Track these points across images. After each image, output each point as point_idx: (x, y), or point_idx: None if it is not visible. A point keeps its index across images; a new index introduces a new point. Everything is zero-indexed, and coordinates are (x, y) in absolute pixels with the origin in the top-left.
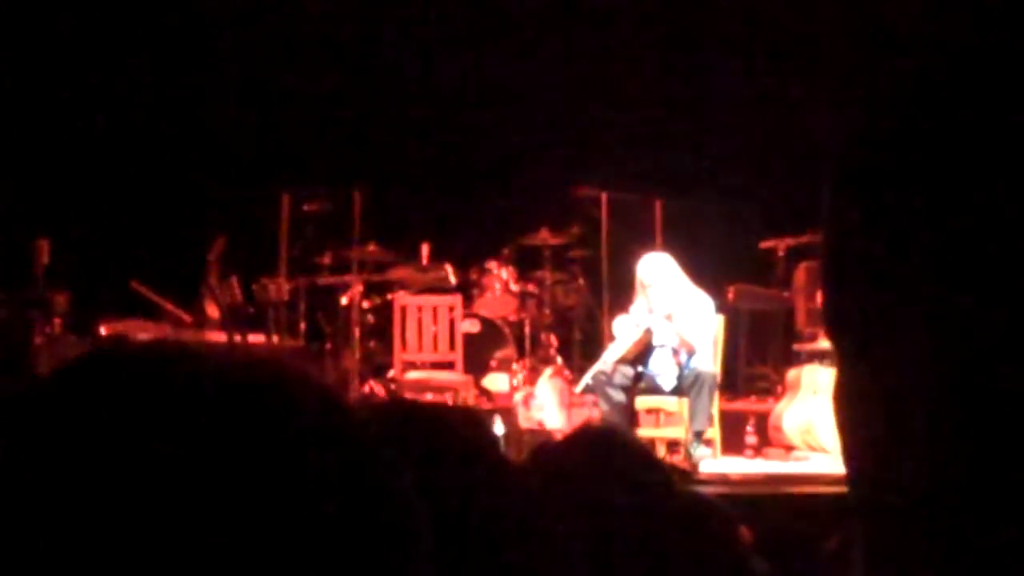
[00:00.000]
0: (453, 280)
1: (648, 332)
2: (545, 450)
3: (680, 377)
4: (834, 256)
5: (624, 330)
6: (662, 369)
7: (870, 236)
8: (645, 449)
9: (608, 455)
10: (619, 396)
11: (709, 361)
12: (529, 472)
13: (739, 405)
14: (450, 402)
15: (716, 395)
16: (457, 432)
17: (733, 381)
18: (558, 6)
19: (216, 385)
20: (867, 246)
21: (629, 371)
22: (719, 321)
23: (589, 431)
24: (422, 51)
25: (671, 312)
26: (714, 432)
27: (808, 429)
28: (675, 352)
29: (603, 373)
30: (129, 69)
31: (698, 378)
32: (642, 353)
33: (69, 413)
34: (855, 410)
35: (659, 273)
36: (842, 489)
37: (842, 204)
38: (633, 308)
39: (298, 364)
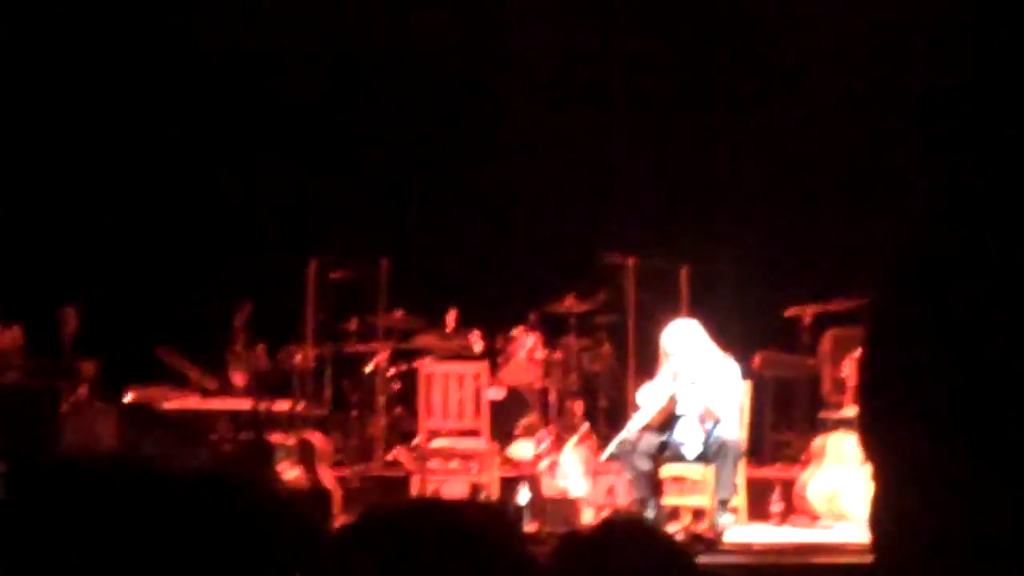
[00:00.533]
0: (479, 347)
1: (673, 400)
2: (571, 545)
3: (705, 445)
4: (878, 344)
5: (649, 398)
6: (687, 437)
7: (913, 332)
8: (673, 543)
9: (636, 553)
10: (644, 464)
11: (735, 429)
12: (555, 571)
13: (765, 472)
14: (475, 471)
15: (742, 463)
16: (482, 530)
17: (759, 448)
18: (585, 76)
19: None
20: (908, 338)
21: (654, 439)
22: (745, 388)
23: (616, 526)
24: (450, 118)
25: (696, 380)
26: (740, 499)
27: (833, 497)
28: (700, 420)
29: (628, 441)
30: (158, 135)
31: (723, 446)
32: (667, 421)
33: None
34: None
35: (684, 340)
36: (867, 559)
37: (888, 304)
38: (658, 376)
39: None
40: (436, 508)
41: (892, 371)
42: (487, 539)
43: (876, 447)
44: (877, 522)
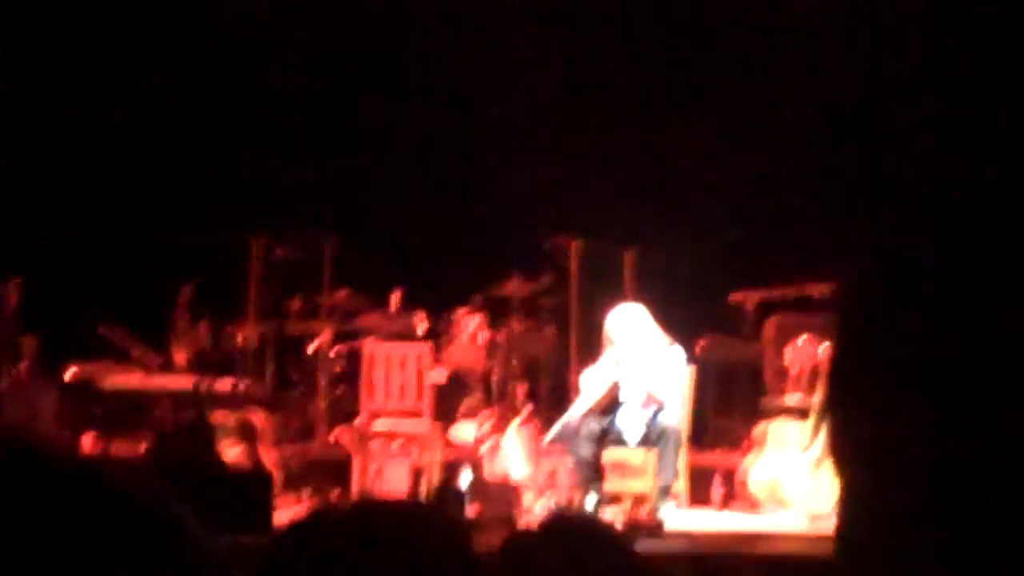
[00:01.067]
0: (423, 329)
1: (616, 386)
2: (517, 544)
3: (647, 430)
4: (844, 353)
5: (591, 383)
6: (629, 423)
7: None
8: (620, 541)
9: (584, 553)
10: (586, 450)
11: (676, 415)
12: (501, 569)
13: (706, 458)
14: (417, 454)
15: (684, 449)
16: (426, 531)
17: (701, 433)
18: (534, 57)
19: None
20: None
21: (596, 425)
22: (688, 373)
23: (561, 523)
24: (394, 98)
25: (640, 366)
26: (681, 484)
27: (774, 484)
28: (642, 405)
29: (570, 426)
30: (101, 113)
31: (664, 432)
32: (609, 406)
33: None
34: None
35: (628, 326)
36: (807, 546)
37: (851, 321)
38: (601, 360)
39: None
40: (380, 512)
41: (863, 363)
42: (433, 545)
43: (844, 440)
44: (845, 522)
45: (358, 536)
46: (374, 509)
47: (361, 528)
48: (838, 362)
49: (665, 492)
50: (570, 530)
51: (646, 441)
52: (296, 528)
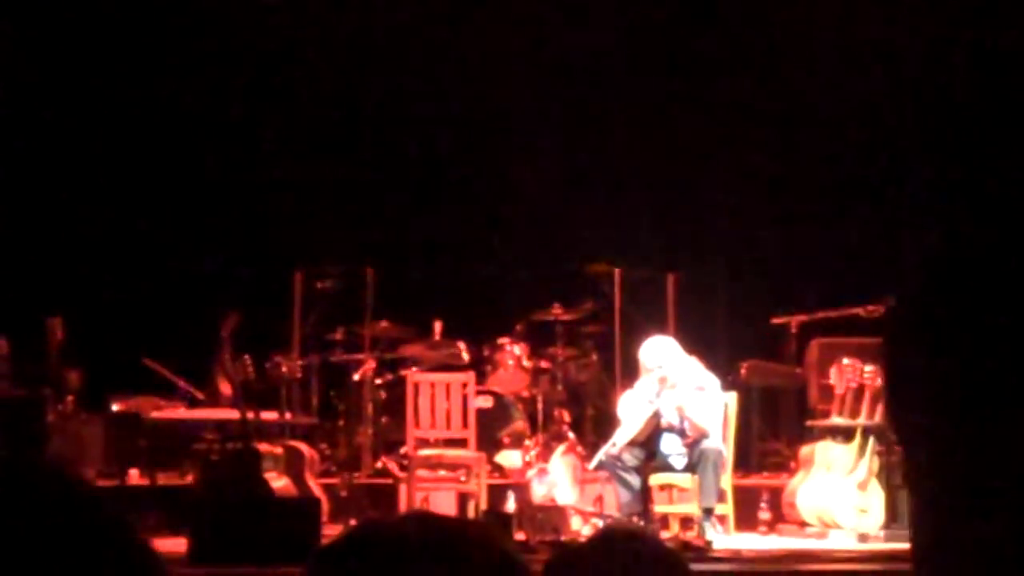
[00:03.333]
0: (466, 357)
1: (657, 415)
2: (565, 557)
3: (689, 456)
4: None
5: (631, 411)
6: (672, 450)
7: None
8: (670, 552)
9: (632, 562)
10: (630, 477)
11: (715, 438)
12: None
13: (752, 481)
14: (463, 480)
15: (728, 471)
16: (476, 547)
17: (746, 457)
18: (574, 84)
19: None
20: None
21: (640, 452)
22: (732, 398)
23: (611, 534)
24: (436, 128)
25: (681, 405)
26: (727, 508)
27: (821, 506)
28: (684, 435)
29: (614, 456)
30: (144, 147)
31: (702, 455)
32: (651, 436)
33: None
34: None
35: (662, 357)
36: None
37: (900, 346)
38: (638, 385)
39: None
40: (429, 522)
41: (915, 373)
42: (482, 554)
43: (908, 447)
44: (915, 530)
45: (412, 545)
46: (428, 520)
47: (416, 537)
48: (892, 389)
49: (709, 514)
50: (620, 544)
51: (690, 465)
52: (348, 537)
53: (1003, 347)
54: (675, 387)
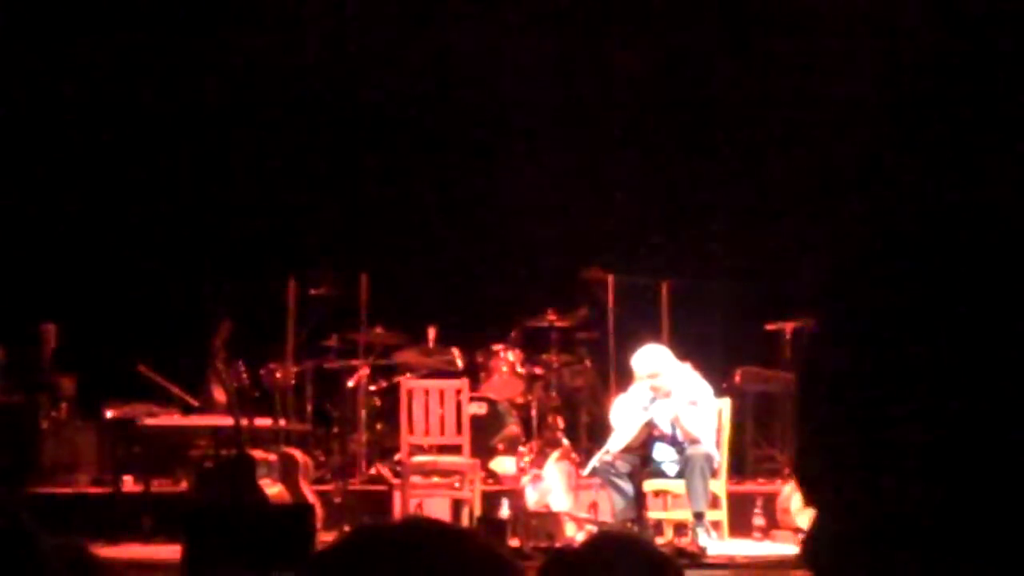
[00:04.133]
0: (460, 363)
1: (650, 424)
2: (560, 560)
3: (680, 461)
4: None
5: (625, 418)
6: (665, 456)
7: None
8: (664, 556)
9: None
10: (624, 483)
11: (706, 444)
12: None
13: (747, 487)
14: (457, 486)
15: (723, 477)
16: (471, 553)
17: (740, 463)
18: (567, 91)
19: None
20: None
21: (634, 459)
22: (726, 404)
23: (606, 539)
24: (432, 134)
25: (676, 414)
26: (721, 514)
27: None
28: (677, 442)
29: (608, 463)
30: (138, 154)
31: (689, 460)
32: (645, 443)
33: None
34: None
35: (655, 366)
36: None
37: (817, 350)
38: (631, 391)
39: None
40: (424, 527)
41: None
42: (478, 560)
43: (810, 475)
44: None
45: (408, 551)
46: (423, 526)
47: (411, 543)
48: (801, 395)
49: (700, 519)
50: (614, 549)
51: (682, 474)
52: (344, 542)
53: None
54: (669, 395)
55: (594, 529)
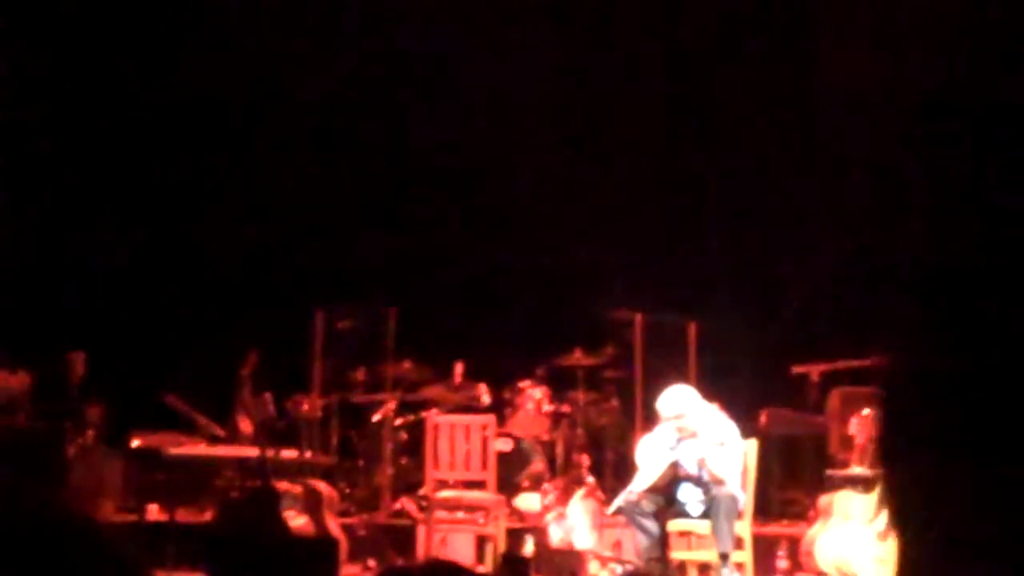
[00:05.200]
0: (487, 399)
1: (675, 464)
2: None
3: (706, 502)
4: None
5: (650, 457)
6: (690, 497)
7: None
8: None
9: None
10: (648, 523)
11: (731, 485)
12: None
13: (771, 529)
14: (482, 522)
15: (748, 519)
16: None
17: (765, 505)
18: (595, 130)
19: None
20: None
21: (658, 499)
22: (751, 445)
23: None
24: (460, 170)
25: (702, 456)
26: (746, 556)
27: (840, 556)
28: (703, 483)
29: (632, 503)
30: (166, 183)
31: (715, 500)
32: (670, 483)
33: None
34: None
35: (681, 407)
36: None
37: (897, 391)
38: (657, 431)
39: None
40: (447, 570)
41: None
42: None
43: (899, 511)
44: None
45: None
46: (443, 569)
47: None
48: (887, 436)
49: (725, 560)
50: None
51: (707, 514)
52: None
53: (1001, 390)
54: (695, 436)
55: (618, 568)
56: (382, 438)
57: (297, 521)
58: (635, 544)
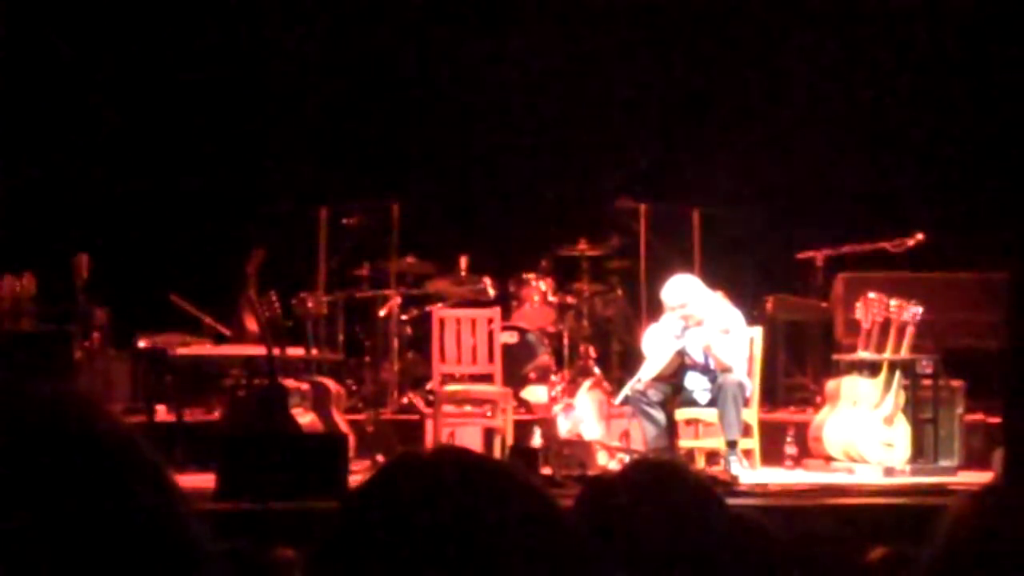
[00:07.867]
0: (491, 292)
1: (681, 353)
2: (598, 487)
3: (712, 390)
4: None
5: (656, 347)
6: (697, 385)
7: None
8: (703, 483)
9: (666, 494)
10: (656, 412)
11: (737, 372)
12: (581, 513)
13: (778, 416)
14: (489, 415)
15: (755, 406)
16: (512, 487)
17: (772, 392)
18: (594, 27)
19: None
20: None
21: (665, 387)
22: (757, 332)
23: (644, 467)
24: (460, 67)
25: (708, 343)
26: (753, 443)
27: (848, 439)
28: (709, 371)
29: (639, 392)
30: (169, 89)
31: (721, 388)
32: (676, 371)
33: None
34: None
35: (685, 296)
36: (879, 501)
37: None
38: (663, 320)
39: None
40: (463, 461)
41: None
42: (518, 494)
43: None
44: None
45: (448, 485)
46: (463, 459)
47: (452, 477)
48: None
49: (733, 448)
50: (653, 472)
51: (714, 402)
52: (383, 472)
53: None
54: (701, 324)
55: (626, 458)
56: (388, 334)
57: (305, 418)
58: (643, 433)
